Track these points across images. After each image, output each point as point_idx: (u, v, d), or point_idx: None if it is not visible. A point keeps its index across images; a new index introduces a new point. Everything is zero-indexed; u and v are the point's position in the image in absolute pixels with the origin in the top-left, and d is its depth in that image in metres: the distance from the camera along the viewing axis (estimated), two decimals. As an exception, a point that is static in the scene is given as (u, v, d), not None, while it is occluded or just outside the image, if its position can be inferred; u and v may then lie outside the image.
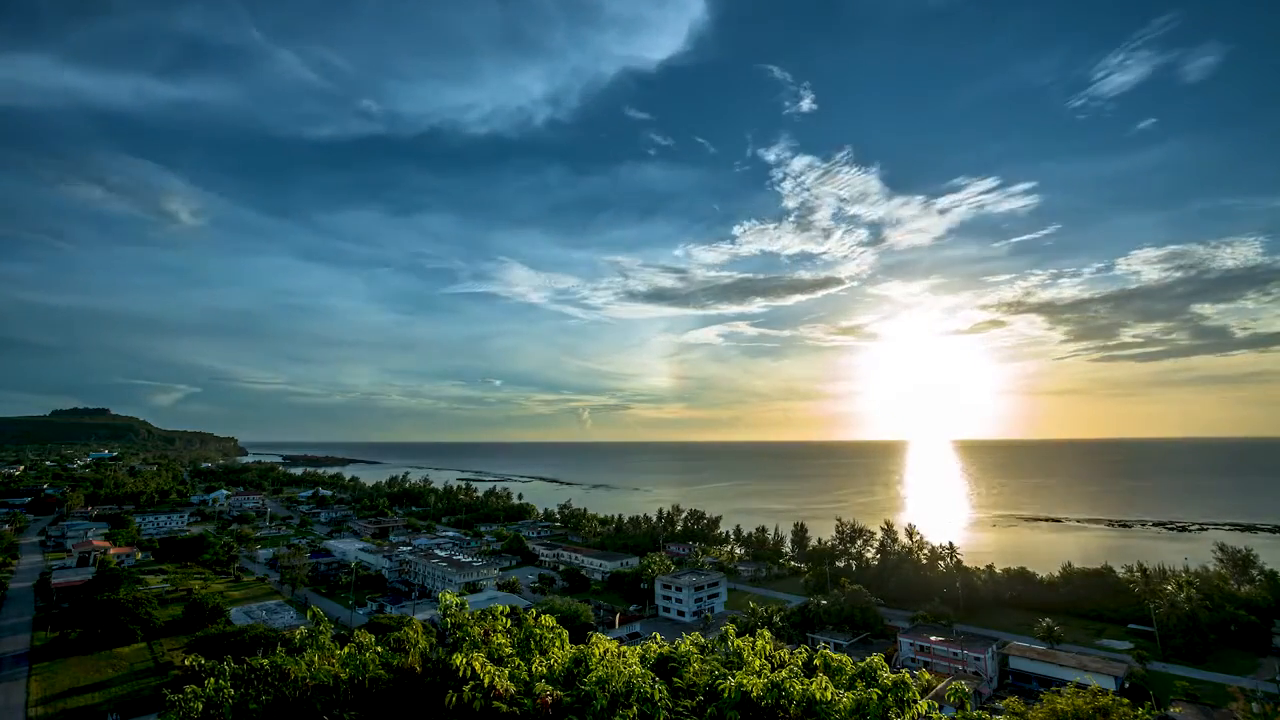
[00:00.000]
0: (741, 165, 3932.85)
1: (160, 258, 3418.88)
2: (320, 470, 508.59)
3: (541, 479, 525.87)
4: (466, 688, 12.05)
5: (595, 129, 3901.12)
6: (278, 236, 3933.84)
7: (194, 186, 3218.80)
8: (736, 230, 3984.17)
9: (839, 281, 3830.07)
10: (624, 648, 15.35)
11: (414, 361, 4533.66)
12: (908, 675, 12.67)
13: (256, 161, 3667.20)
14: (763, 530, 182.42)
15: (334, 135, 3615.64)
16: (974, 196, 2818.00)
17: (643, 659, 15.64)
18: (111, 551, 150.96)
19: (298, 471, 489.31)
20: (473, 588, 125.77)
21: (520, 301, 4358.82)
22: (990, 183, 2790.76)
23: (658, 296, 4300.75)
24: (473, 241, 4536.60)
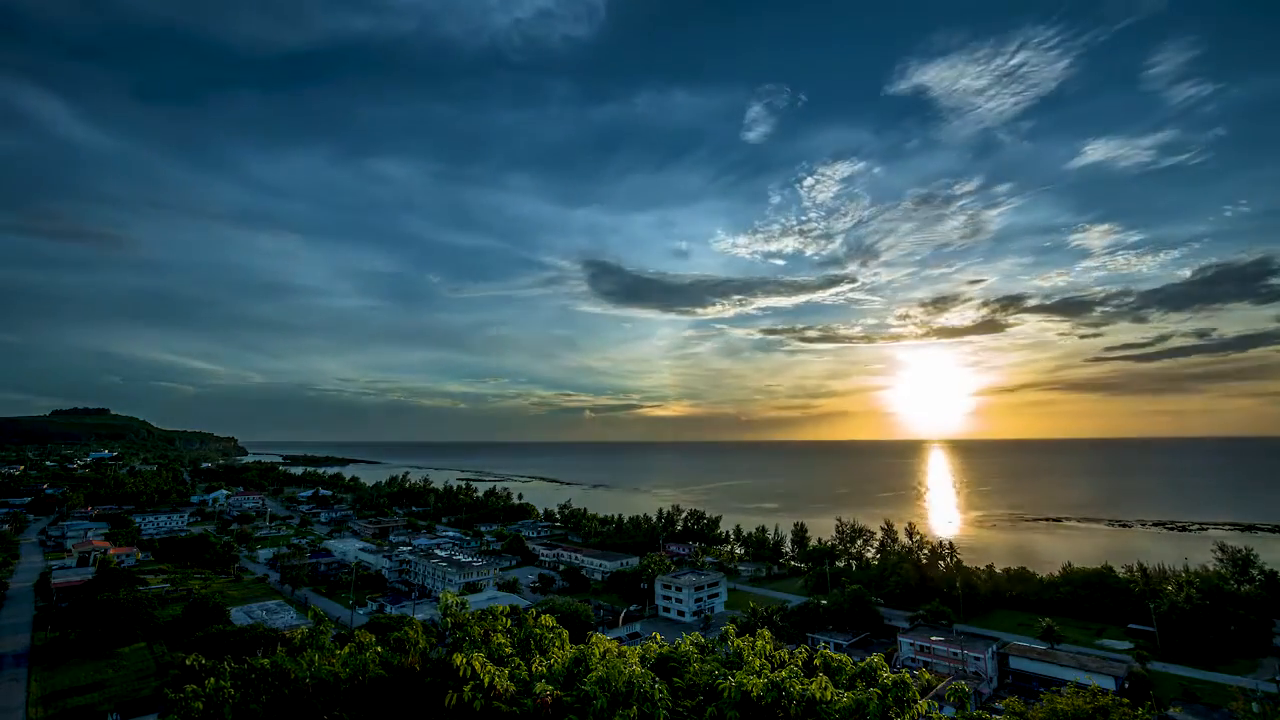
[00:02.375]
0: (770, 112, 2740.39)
1: (51, 219, 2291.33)
2: (320, 470, 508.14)
3: (541, 479, 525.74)
4: (466, 688, 12.09)
5: (615, 28, 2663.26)
6: (203, 192, 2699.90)
7: (86, 122, 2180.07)
8: (766, 193, 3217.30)
9: (850, 280, 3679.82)
10: (624, 648, 15.37)
11: (402, 356, 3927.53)
12: (908, 675, 12.72)
13: (172, 80, 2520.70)
14: (763, 530, 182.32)
15: (275, 40, 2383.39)
16: (978, 195, 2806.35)
17: (643, 659, 15.66)
18: (111, 551, 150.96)
19: (298, 471, 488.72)
20: (473, 588, 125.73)
21: (513, 295, 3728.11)
22: (996, 183, 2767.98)
23: (660, 293, 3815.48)
24: (453, 200, 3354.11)
